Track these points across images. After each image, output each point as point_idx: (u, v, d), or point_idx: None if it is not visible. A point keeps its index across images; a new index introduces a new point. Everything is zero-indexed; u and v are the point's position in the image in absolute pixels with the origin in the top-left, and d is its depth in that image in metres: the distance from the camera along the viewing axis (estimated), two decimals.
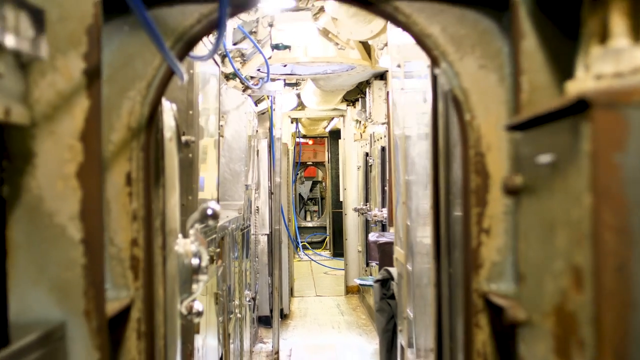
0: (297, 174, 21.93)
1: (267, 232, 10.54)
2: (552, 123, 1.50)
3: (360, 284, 11.08)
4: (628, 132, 1.29)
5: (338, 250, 17.74)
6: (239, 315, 7.39)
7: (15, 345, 1.74)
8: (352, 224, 13.90)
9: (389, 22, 4.29)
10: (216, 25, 2.46)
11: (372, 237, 8.42)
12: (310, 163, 22.77)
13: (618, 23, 1.51)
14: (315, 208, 23.51)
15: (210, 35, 3.31)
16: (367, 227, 11.63)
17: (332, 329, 11.23)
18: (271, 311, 10.25)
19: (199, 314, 3.64)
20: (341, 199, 15.04)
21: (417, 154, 4.37)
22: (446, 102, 3.21)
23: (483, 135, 2.41)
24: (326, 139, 20.78)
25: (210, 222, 3.25)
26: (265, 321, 10.64)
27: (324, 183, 22.82)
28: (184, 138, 3.64)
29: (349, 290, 14.13)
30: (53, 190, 1.99)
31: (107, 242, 2.30)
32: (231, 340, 6.68)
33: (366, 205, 11.95)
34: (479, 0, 2.45)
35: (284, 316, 11.50)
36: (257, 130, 9.39)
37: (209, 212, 3.18)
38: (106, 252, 2.24)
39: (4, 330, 1.93)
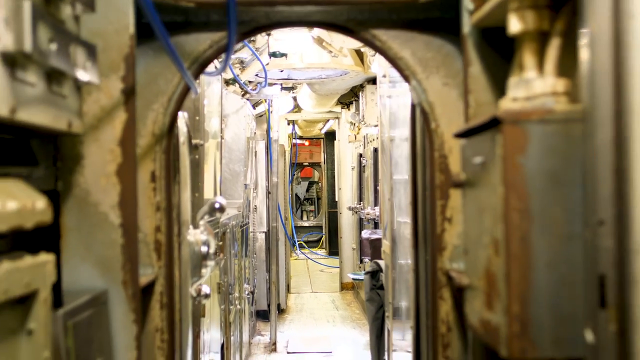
0: (294, 175, 22.34)
1: (265, 230, 11.01)
2: (481, 133, 2.02)
3: (354, 279, 11.58)
4: (528, 141, 1.81)
5: (334, 249, 18.16)
6: (238, 306, 7.87)
7: (71, 305, 2.26)
8: (346, 222, 14.38)
9: None
10: (225, 50, 2.99)
11: (365, 234, 8.93)
12: (307, 164, 23.18)
13: (528, 59, 2.04)
14: (312, 208, 23.85)
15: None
16: (360, 225, 12.12)
17: (327, 322, 11.71)
18: (268, 305, 10.73)
19: (207, 296, 4.19)
20: (336, 199, 15.53)
21: (400, 155, 4.90)
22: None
23: (446, 140, 2.94)
24: (322, 140, 21.15)
25: (217, 215, 3.78)
26: (263, 315, 11.11)
27: (320, 183, 23.20)
28: (193, 141, 4.17)
29: (343, 287, 14.64)
30: (97, 185, 2.52)
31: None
32: (232, 331, 7.17)
33: (360, 204, 12.43)
34: (443, 28, 2.98)
35: (281, 311, 11.98)
36: (255, 132, 9.87)
37: (217, 205, 3.72)
38: None
39: (59, 297, 2.46)
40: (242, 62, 7.89)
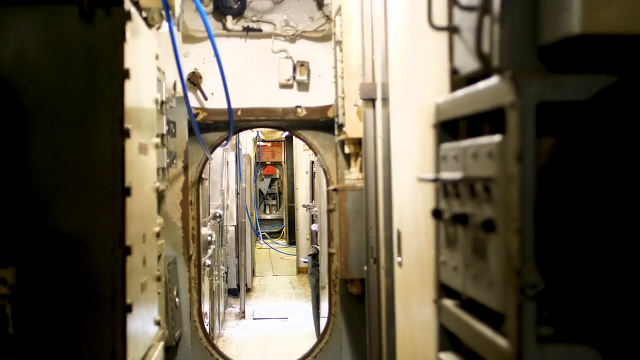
0: (258, 172, 25.19)
1: (235, 224, 14.13)
2: (335, 192, 5.28)
3: (304, 261, 14.80)
4: (347, 197, 5.07)
5: (293, 239, 20.98)
6: (217, 281, 11.06)
7: (166, 262, 5.50)
8: (302, 217, 17.51)
9: None
10: (226, 138, 6.25)
11: (314, 227, 12.14)
12: (269, 163, 25.90)
13: (352, 163, 5.32)
14: (274, 202, 26.43)
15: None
16: (312, 220, 15.32)
17: (285, 298, 14.92)
18: (238, 285, 13.88)
19: (209, 265, 7.43)
20: (295, 197, 18.67)
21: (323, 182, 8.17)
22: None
23: (331, 183, 6.23)
24: (283, 143, 23.75)
25: (217, 219, 7.02)
26: (233, 292, 14.24)
27: (281, 180, 26.01)
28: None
29: (300, 271, 17.82)
30: (171, 209, 5.73)
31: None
32: (215, 299, 10.32)
33: (312, 202, 15.61)
34: (332, 131, 6.25)
35: (247, 290, 15.13)
36: (228, 147, 13.01)
37: (217, 213, 6.96)
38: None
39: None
40: None
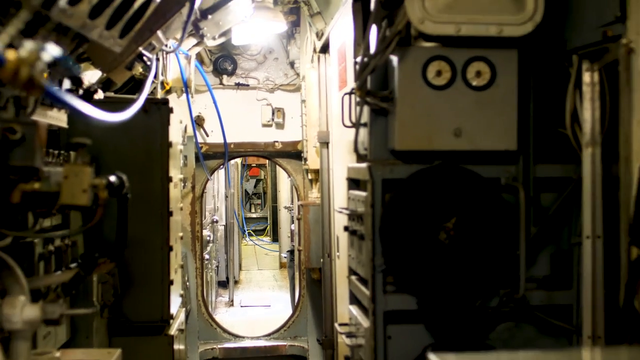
0: (244, 174, 27.24)
1: (224, 224, 16.29)
2: (301, 206, 7.48)
3: (284, 257, 16.97)
4: (309, 210, 7.27)
5: (276, 237, 23.07)
6: (211, 273, 13.23)
7: (182, 254, 7.72)
8: (284, 217, 19.66)
9: None
10: (222, 165, 8.46)
11: (293, 227, 14.32)
12: (255, 165, 28.03)
13: (314, 185, 7.51)
14: (259, 202, 28.40)
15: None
16: (292, 220, 17.49)
17: (269, 289, 17.08)
18: (227, 278, 16.05)
19: (208, 259, 9.62)
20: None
21: None
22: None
23: (301, 199, 8.45)
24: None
25: (214, 223, 9.19)
26: (222, 284, 16.39)
27: (265, 181, 28.06)
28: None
29: (282, 265, 19.95)
30: (183, 218, 7.93)
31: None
32: (209, 289, 12.48)
33: (292, 204, 17.80)
34: (298, 158, 8.47)
35: (235, 282, 17.29)
36: None
37: (215, 219, 9.14)
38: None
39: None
40: None
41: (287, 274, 18.48)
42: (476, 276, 4.04)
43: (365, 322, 4.27)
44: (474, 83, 3.99)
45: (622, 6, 3.30)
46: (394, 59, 4.03)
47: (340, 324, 5.03)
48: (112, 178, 2.97)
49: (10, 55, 1.62)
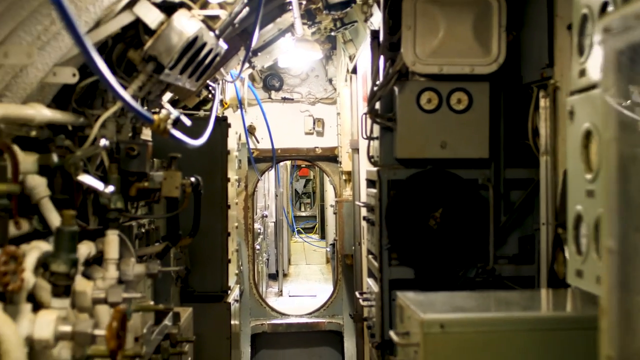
0: (294, 174, 28.72)
1: (274, 221, 17.82)
2: (337, 202, 8.86)
3: (328, 250, 18.40)
4: (342, 205, 8.65)
5: (324, 234, 24.64)
6: (262, 265, 14.75)
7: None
8: (330, 215, 21.06)
9: None
10: (271, 167, 9.95)
11: None
12: (304, 165, 29.49)
13: (347, 184, 8.91)
14: (308, 201, 29.81)
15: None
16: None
17: (315, 282, 18.55)
18: (277, 271, 17.58)
19: (259, 250, 11.13)
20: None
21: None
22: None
23: (338, 196, 9.88)
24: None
25: (264, 218, 10.66)
26: (272, 277, 17.92)
27: (314, 181, 29.54)
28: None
29: (328, 260, 21.44)
30: (238, 212, 9.42)
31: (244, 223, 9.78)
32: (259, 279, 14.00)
33: None
34: (335, 161, 9.90)
35: (284, 275, 18.81)
36: None
37: (264, 214, 10.63)
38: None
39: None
40: None
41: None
42: (458, 253, 5.40)
43: (376, 288, 5.66)
44: (456, 108, 5.35)
45: (550, 55, 4.63)
46: (396, 89, 5.42)
47: (360, 292, 6.45)
48: (192, 179, 4.44)
49: (155, 117, 3.08)
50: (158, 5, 3.73)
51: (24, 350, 2.58)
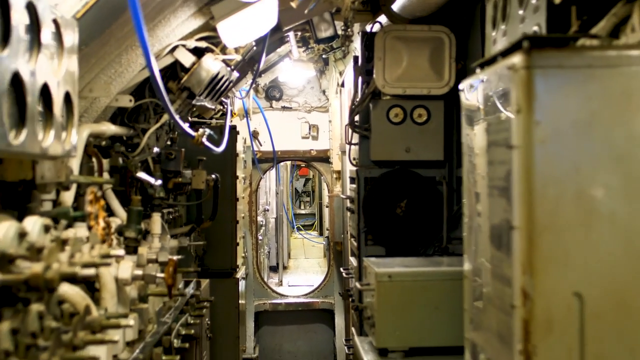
0: (294, 173, 30.18)
1: (275, 217, 19.33)
2: (330, 196, 10.35)
3: (324, 243, 19.89)
4: (333, 200, 10.15)
5: (322, 231, 26.16)
6: (263, 256, 16.26)
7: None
8: (328, 212, 22.70)
9: None
10: (272, 167, 11.48)
11: None
12: (304, 165, 30.95)
13: (338, 182, 10.41)
14: (307, 199, 31.22)
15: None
16: None
17: (313, 274, 20.01)
18: (277, 263, 19.09)
19: (261, 240, 12.66)
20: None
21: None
22: None
23: (331, 192, 11.40)
24: None
25: (266, 211, 12.17)
26: (273, 269, 19.44)
27: (314, 180, 30.99)
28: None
29: (326, 255, 22.99)
30: (243, 206, 10.94)
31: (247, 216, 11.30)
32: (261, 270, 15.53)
33: None
34: (328, 162, 11.41)
35: (284, 268, 20.32)
36: None
37: (266, 208, 12.13)
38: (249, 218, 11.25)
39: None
40: None
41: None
42: (419, 235, 6.91)
43: (355, 263, 7.17)
44: (418, 120, 6.86)
45: None
46: (371, 106, 6.92)
47: (345, 268, 7.96)
48: (213, 176, 5.96)
49: (195, 133, 4.61)
50: (190, 50, 5.26)
51: (114, 284, 4.09)
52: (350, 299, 8.38)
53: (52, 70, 2.89)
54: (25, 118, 2.60)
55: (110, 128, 4.82)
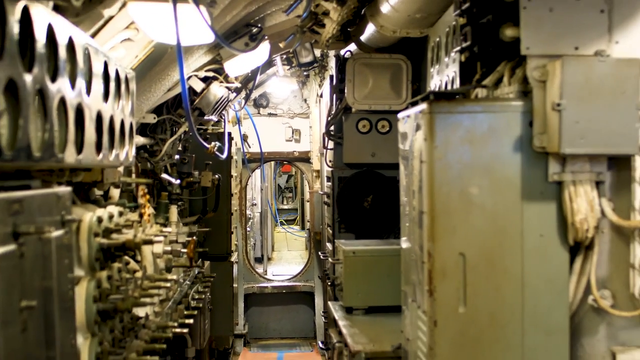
0: (277, 170, 31.59)
1: (259, 211, 20.86)
2: (311, 193, 11.92)
3: (306, 236, 21.45)
4: (313, 196, 11.71)
5: (304, 225, 27.64)
6: (250, 248, 17.80)
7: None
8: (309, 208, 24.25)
9: None
10: (259, 167, 13.03)
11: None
12: (287, 162, 32.41)
13: (317, 179, 11.96)
14: (290, 195, 32.71)
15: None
16: None
17: (296, 265, 21.50)
18: (262, 255, 20.64)
19: (250, 231, 14.21)
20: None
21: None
22: None
23: (311, 189, 12.97)
24: None
25: (254, 205, 13.70)
26: (258, 260, 20.96)
27: (296, 176, 32.41)
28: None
29: (307, 247, 24.53)
30: (235, 201, 12.47)
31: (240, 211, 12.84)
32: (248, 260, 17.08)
33: None
34: (309, 162, 12.97)
35: (268, 259, 21.84)
36: None
37: (254, 202, 13.68)
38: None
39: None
40: None
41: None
42: (382, 224, 8.49)
43: (330, 247, 8.73)
44: (381, 130, 8.44)
45: None
46: (343, 119, 8.48)
47: (322, 252, 9.54)
48: (217, 176, 7.52)
49: (209, 145, 6.15)
50: (201, 79, 6.82)
51: (151, 256, 5.62)
52: (327, 279, 9.97)
53: (121, 108, 4.42)
54: (101, 142, 4.12)
55: (140, 139, 6.36)
